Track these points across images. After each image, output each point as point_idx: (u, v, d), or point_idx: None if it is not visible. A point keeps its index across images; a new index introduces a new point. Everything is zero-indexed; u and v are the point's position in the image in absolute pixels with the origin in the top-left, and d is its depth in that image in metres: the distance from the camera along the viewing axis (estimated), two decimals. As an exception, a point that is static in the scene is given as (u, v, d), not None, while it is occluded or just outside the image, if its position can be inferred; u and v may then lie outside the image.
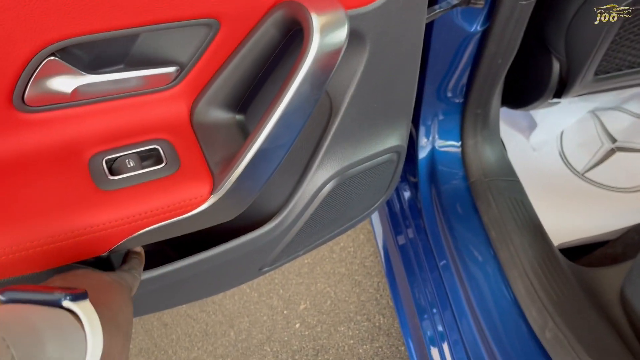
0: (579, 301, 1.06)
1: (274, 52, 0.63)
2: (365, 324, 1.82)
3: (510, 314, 1.09)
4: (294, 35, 0.62)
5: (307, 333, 1.82)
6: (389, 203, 1.59)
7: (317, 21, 0.53)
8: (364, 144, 0.82)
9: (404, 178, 1.51)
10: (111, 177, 0.59)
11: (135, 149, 0.62)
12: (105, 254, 0.62)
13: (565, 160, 1.66)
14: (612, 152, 1.66)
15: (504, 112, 1.60)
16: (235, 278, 0.96)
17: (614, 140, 1.68)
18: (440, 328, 1.27)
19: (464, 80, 1.20)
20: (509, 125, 1.72)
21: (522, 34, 1.08)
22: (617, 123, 1.72)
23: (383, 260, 1.67)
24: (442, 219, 1.29)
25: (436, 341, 1.29)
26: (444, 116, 1.32)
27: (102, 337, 0.43)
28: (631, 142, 1.67)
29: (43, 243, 0.54)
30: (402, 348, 1.75)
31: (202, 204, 0.63)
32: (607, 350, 0.98)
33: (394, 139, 0.86)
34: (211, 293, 0.98)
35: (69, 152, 0.59)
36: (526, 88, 1.40)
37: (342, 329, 1.82)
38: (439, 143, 1.37)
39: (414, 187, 1.44)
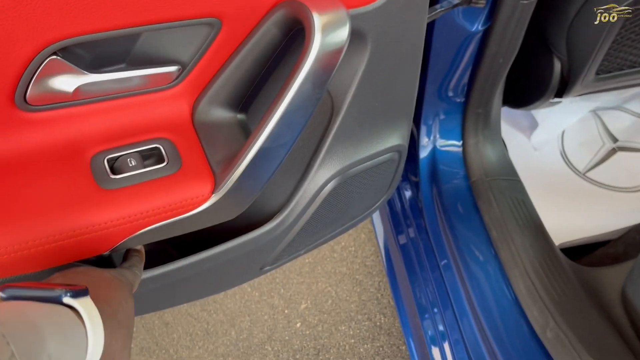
0: (580, 301, 1.06)
1: (276, 51, 0.63)
2: (366, 323, 1.82)
3: (511, 314, 1.09)
4: (295, 35, 0.62)
5: (308, 332, 1.82)
6: (390, 202, 1.59)
7: (318, 20, 0.53)
8: (365, 143, 0.82)
9: (405, 177, 1.51)
10: (113, 176, 0.59)
11: (136, 148, 0.62)
12: (106, 252, 0.62)
13: (566, 159, 1.66)
14: (613, 151, 1.66)
15: (505, 111, 1.60)
16: (237, 277, 0.96)
17: (615, 140, 1.68)
18: (441, 327, 1.27)
19: (465, 79, 1.20)
20: (510, 125, 1.72)
21: (523, 33, 1.08)
22: (619, 123, 1.72)
23: (384, 259, 1.67)
24: (443, 218, 1.29)
25: (437, 340, 1.29)
26: (445, 115, 1.32)
27: (103, 334, 0.43)
28: (632, 141, 1.67)
29: (45, 242, 0.55)
30: (403, 347, 1.76)
31: (203, 203, 0.63)
32: (608, 349, 0.98)
33: (395, 139, 0.86)
34: (212, 292, 0.98)
35: (70, 151, 0.59)
36: (527, 87, 1.40)
37: (343, 328, 1.82)
38: (440, 142, 1.37)
39: (415, 187, 1.44)
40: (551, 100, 1.37)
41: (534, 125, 1.69)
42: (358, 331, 1.81)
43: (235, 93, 0.67)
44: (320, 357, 1.77)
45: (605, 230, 1.43)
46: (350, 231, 2.02)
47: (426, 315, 1.34)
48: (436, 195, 1.34)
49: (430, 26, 1.05)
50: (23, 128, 0.57)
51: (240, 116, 0.70)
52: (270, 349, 1.81)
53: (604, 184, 1.57)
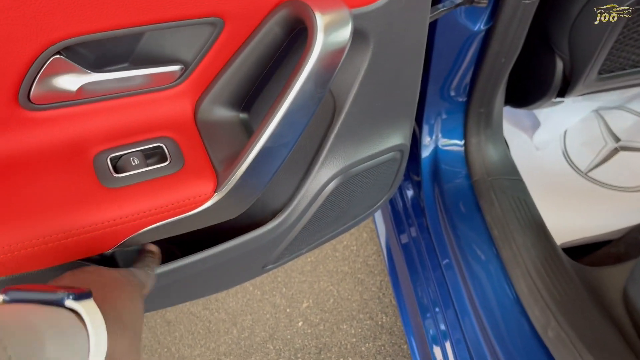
0: (581, 300, 1.06)
1: (278, 50, 0.63)
2: (368, 322, 1.82)
3: (512, 313, 1.09)
4: (297, 34, 0.62)
5: (309, 331, 1.83)
6: (392, 202, 1.59)
7: (321, 20, 0.53)
8: (367, 142, 0.83)
9: (407, 177, 1.51)
10: (116, 175, 0.59)
11: (139, 146, 0.63)
12: (109, 251, 0.63)
13: (568, 159, 1.65)
14: (615, 151, 1.65)
15: (508, 111, 1.60)
16: (239, 276, 0.96)
17: (617, 139, 1.68)
18: (442, 327, 1.27)
19: (467, 79, 1.20)
20: (513, 124, 1.72)
21: (525, 33, 1.08)
22: (621, 122, 1.72)
23: (386, 258, 1.67)
24: (444, 217, 1.29)
25: (439, 340, 1.29)
26: (447, 115, 1.32)
27: (106, 337, 0.42)
28: (635, 141, 1.66)
29: (48, 240, 0.55)
30: (405, 346, 1.76)
31: (205, 201, 0.64)
32: (609, 349, 0.98)
33: (397, 138, 0.86)
34: (214, 291, 0.98)
35: (74, 149, 0.60)
36: (530, 87, 1.40)
37: (345, 327, 1.82)
38: (442, 142, 1.37)
39: (417, 186, 1.44)
40: (553, 100, 1.37)
41: (536, 124, 1.68)
42: (360, 330, 1.81)
43: (237, 92, 0.67)
44: (322, 356, 1.77)
45: (607, 230, 1.42)
46: (352, 230, 2.02)
47: (428, 315, 1.34)
48: (438, 194, 1.34)
49: (433, 25, 1.05)
50: (27, 127, 0.57)
51: (242, 115, 0.70)
52: (272, 347, 1.81)
53: (606, 184, 1.57)
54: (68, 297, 0.41)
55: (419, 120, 1.33)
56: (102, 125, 0.62)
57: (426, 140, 1.36)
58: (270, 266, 0.94)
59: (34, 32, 0.49)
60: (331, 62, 0.57)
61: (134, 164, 0.61)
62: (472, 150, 1.34)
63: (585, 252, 1.40)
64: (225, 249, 0.76)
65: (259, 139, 0.59)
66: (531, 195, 1.28)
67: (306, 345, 1.80)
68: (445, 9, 0.94)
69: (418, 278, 1.39)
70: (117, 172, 0.60)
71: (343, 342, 1.79)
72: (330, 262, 1.97)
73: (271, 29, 0.60)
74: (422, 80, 0.85)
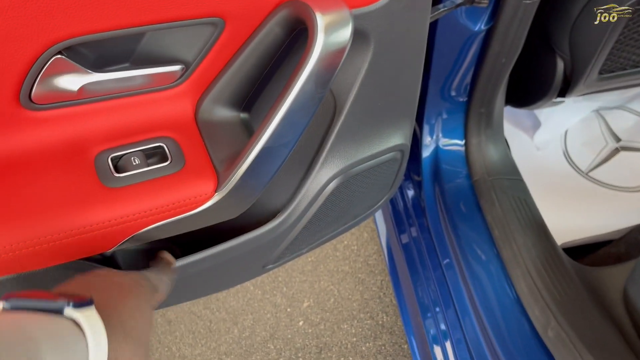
0: (581, 300, 1.06)
1: (279, 50, 0.63)
2: (369, 322, 1.82)
3: (513, 313, 1.09)
4: (298, 34, 0.62)
5: (310, 331, 1.83)
6: (392, 201, 1.59)
7: (321, 20, 0.54)
8: (368, 142, 0.83)
9: (407, 176, 1.52)
10: (117, 175, 0.60)
11: (140, 146, 0.63)
12: (110, 251, 0.63)
13: (569, 159, 1.65)
14: (616, 151, 1.65)
15: (508, 111, 1.60)
16: (239, 275, 0.96)
17: (618, 139, 1.68)
18: (443, 326, 1.27)
19: (468, 79, 1.20)
20: (513, 124, 1.72)
21: (526, 33, 1.08)
22: (622, 122, 1.72)
23: (386, 258, 1.67)
24: (445, 217, 1.29)
25: (439, 340, 1.29)
26: (447, 115, 1.32)
27: (107, 346, 0.42)
28: (635, 141, 1.66)
29: (49, 240, 0.55)
30: (405, 346, 1.76)
31: (206, 201, 0.64)
32: (609, 349, 0.98)
33: (398, 138, 0.86)
34: (215, 290, 0.98)
35: (75, 149, 0.60)
36: (530, 87, 1.40)
37: (345, 326, 1.82)
38: (443, 142, 1.37)
39: (418, 186, 1.44)
40: (554, 100, 1.37)
41: (536, 124, 1.68)
42: (360, 330, 1.81)
43: (238, 92, 0.67)
44: (323, 356, 1.77)
45: (608, 230, 1.42)
46: (353, 230, 2.02)
47: (428, 314, 1.34)
48: (438, 194, 1.34)
49: (433, 26, 1.06)
50: (28, 126, 0.57)
51: (243, 115, 0.71)
52: (272, 347, 1.81)
53: (607, 184, 1.57)
54: (68, 305, 0.40)
55: (419, 120, 1.33)
56: (103, 125, 0.62)
57: (427, 140, 1.36)
58: (270, 266, 0.94)
59: (35, 32, 0.49)
60: (332, 63, 0.57)
61: (134, 163, 0.61)
62: (472, 150, 1.34)
63: (586, 252, 1.40)
64: (226, 248, 0.76)
65: (260, 139, 0.59)
66: (532, 195, 1.28)
67: (307, 345, 1.80)
68: (445, 9, 0.94)
69: (418, 278, 1.40)
70: (118, 171, 0.60)
71: (344, 342, 1.79)
72: (331, 262, 1.97)
73: (272, 29, 0.61)
74: (422, 80, 0.85)
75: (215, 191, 0.64)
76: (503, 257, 1.16)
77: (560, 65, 1.25)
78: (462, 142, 1.36)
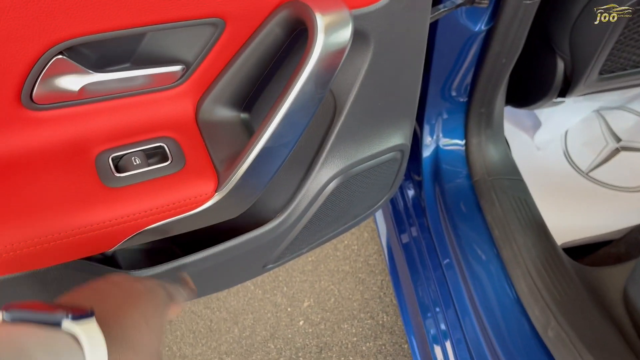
0: (581, 300, 1.06)
1: (279, 51, 0.64)
2: (369, 321, 1.83)
3: (513, 313, 1.09)
4: (298, 35, 0.62)
5: (310, 330, 1.83)
6: (393, 201, 1.59)
7: (321, 21, 0.54)
8: (368, 142, 0.83)
9: (408, 176, 1.52)
10: (117, 175, 0.60)
11: (141, 146, 0.63)
12: (111, 250, 0.63)
13: (569, 159, 1.65)
14: (616, 151, 1.65)
15: (509, 111, 1.60)
16: (240, 275, 0.96)
17: (618, 139, 1.68)
18: (443, 326, 1.27)
19: (468, 79, 1.21)
20: (514, 124, 1.72)
21: (526, 33, 1.08)
22: (622, 122, 1.71)
23: (387, 258, 1.67)
24: (445, 217, 1.29)
25: (439, 339, 1.29)
26: (448, 115, 1.32)
27: (106, 358, 0.41)
28: (636, 141, 1.66)
29: (50, 239, 0.55)
30: (405, 346, 1.76)
31: (206, 201, 0.64)
32: (609, 349, 0.98)
33: (398, 138, 0.87)
34: (216, 290, 0.98)
35: (76, 149, 0.60)
36: (531, 87, 1.40)
37: (346, 326, 1.83)
38: (443, 142, 1.37)
39: (418, 186, 1.44)
40: (554, 100, 1.37)
41: (537, 124, 1.68)
42: (360, 329, 1.81)
43: (238, 92, 0.67)
44: (323, 355, 1.78)
45: (608, 230, 1.42)
46: (353, 230, 2.02)
47: (428, 314, 1.34)
48: (439, 194, 1.34)
49: (434, 26, 1.06)
50: (29, 126, 0.57)
51: (243, 115, 0.71)
52: (273, 346, 1.81)
53: (607, 184, 1.57)
54: (67, 318, 0.39)
55: (420, 120, 1.33)
56: (104, 125, 0.62)
57: (427, 140, 1.36)
58: (271, 265, 0.94)
59: (36, 33, 0.49)
60: (331, 63, 0.57)
61: (135, 163, 0.61)
62: (472, 150, 1.34)
63: (586, 252, 1.40)
64: (226, 248, 0.76)
65: (260, 139, 0.59)
66: (532, 195, 1.28)
67: (307, 345, 1.80)
68: (446, 9, 0.94)
69: (419, 278, 1.40)
70: (118, 171, 0.60)
71: (344, 342, 1.80)
72: (332, 262, 1.97)
73: (272, 30, 0.61)
74: (423, 81, 0.85)
75: (216, 191, 0.64)
76: (503, 257, 1.16)
77: (560, 65, 1.25)
78: (463, 142, 1.36)
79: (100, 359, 0.40)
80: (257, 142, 0.59)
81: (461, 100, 1.28)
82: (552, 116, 1.67)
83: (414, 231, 1.45)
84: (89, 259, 0.67)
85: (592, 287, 1.12)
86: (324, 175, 0.80)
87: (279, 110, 0.58)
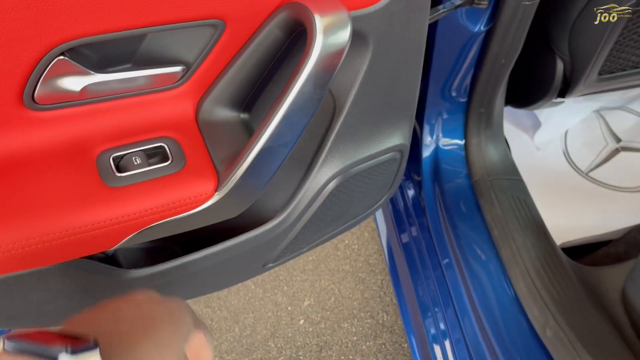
0: (580, 300, 1.07)
1: (278, 52, 0.64)
2: (369, 321, 1.83)
3: (511, 313, 1.09)
4: (297, 36, 0.63)
5: (311, 329, 1.83)
6: (393, 201, 1.59)
7: (320, 22, 0.54)
8: (367, 142, 0.83)
9: (408, 176, 1.52)
10: (118, 174, 0.60)
11: (141, 146, 0.63)
12: (111, 249, 0.63)
13: (569, 159, 1.66)
14: (616, 151, 1.66)
15: (508, 111, 1.61)
16: (240, 274, 0.97)
17: (618, 140, 1.68)
18: (442, 326, 1.28)
19: (468, 79, 1.21)
20: (513, 125, 1.72)
21: (525, 34, 1.08)
22: (622, 123, 1.72)
23: (387, 257, 1.68)
24: (445, 217, 1.30)
25: (439, 339, 1.30)
26: (447, 115, 1.33)
27: None
28: (635, 142, 1.66)
29: (51, 238, 0.56)
30: (405, 345, 1.76)
31: (206, 201, 0.64)
32: (607, 349, 0.99)
33: (397, 138, 0.87)
34: (216, 289, 0.99)
35: (77, 149, 0.60)
36: (530, 87, 1.40)
37: (346, 325, 1.83)
38: (443, 142, 1.38)
39: (418, 185, 1.45)
40: (554, 100, 1.37)
41: (537, 125, 1.69)
42: (361, 328, 1.82)
43: (238, 93, 0.68)
44: (323, 354, 1.78)
45: (607, 230, 1.43)
46: (354, 229, 2.03)
47: (428, 314, 1.34)
48: (438, 194, 1.34)
49: (433, 27, 1.06)
50: (31, 127, 0.58)
51: (243, 115, 0.71)
52: (273, 345, 1.82)
53: (607, 184, 1.58)
54: (66, 352, 0.37)
55: (420, 120, 1.33)
56: (105, 125, 0.63)
57: (427, 140, 1.37)
58: (271, 265, 0.95)
59: (38, 34, 0.50)
60: (330, 64, 0.57)
61: (136, 163, 0.61)
62: (472, 150, 1.34)
63: (585, 252, 1.40)
64: (226, 247, 0.77)
65: (259, 139, 0.60)
66: (532, 195, 1.28)
67: (307, 344, 1.81)
68: (445, 10, 0.94)
69: (418, 277, 1.40)
70: (119, 171, 0.61)
71: (344, 341, 1.80)
72: (332, 261, 1.97)
73: (271, 31, 0.61)
74: (423, 81, 0.85)
75: (216, 191, 0.64)
76: (502, 257, 1.16)
77: (560, 65, 1.26)
78: (462, 142, 1.37)
79: None
80: (257, 142, 0.60)
81: (461, 100, 1.29)
82: (552, 116, 1.67)
83: (414, 231, 1.45)
84: (90, 257, 0.68)
85: (590, 287, 1.12)
86: (324, 175, 0.81)
87: (278, 111, 0.58)
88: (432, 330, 1.32)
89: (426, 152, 1.38)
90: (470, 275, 1.18)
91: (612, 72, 1.26)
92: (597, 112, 1.75)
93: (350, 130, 0.78)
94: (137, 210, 0.60)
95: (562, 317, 1.02)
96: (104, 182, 0.59)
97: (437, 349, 1.30)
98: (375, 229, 2.02)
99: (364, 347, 1.78)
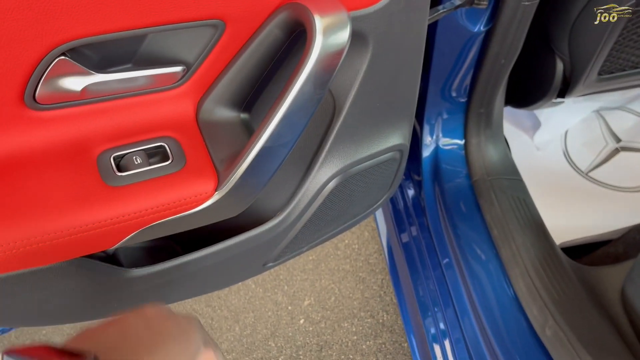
0: (579, 300, 1.07)
1: (278, 52, 0.64)
2: (369, 320, 1.83)
3: (511, 312, 1.10)
4: (297, 36, 0.63)
5: (311, 329, 1.84)
6: (393, 201, 1.59)
7: (320, 23, 0.54)
8: (367, 142, 0.83)
9: (408, 176, 1.52)
10: (119, 174, 0.60)
11: (142, 146, 0.63)
12: (112, 249, 0.64)
13: (569, 159, 1.66)
14: (616, 151, 1.66)
15: (508, 111, 1.61)
16: (240, 273, 0.97)
17: (618, 140, 1.68)
18: (442, 326, 1.28)
19: (468, 80, 1.21)
20: (513, 125, 1.73)
21: (525, 34, 1.08)
22: (622, 123, 1.72)
23: (387, 257, 1.68)
24: (445, 217, 1.30)
25: (438, 339, 1.30)
26: (447, 115, 1.33)
27: None
28: (635, 142, 1.67)
29: (52, 237, 0.56)
30: (405, 345, 1.76)
31: (206, 200, 0.65)
32: (607, 348, 0.99)
33: (397, 138, 0.87)
34: (216, 288, 0.99)
35: (78, 149, 0.61)
36: (530, 87, 1.40)
37: (346, 325, 1.83)
38: (443, 142, 1.38)
39: (418, 185, 1.45)
40: (554, 101, 1.38)
41: (537, 125, 1.69)
42: (361, 328, 1.82)
43: (238, 93, 0.68)
44: (323, 354, 1.78)
45: (607, 229, 1.43)
46: (354, 229, 2.03)
47: (428, 313, 1.34)
48: (438, 193, 1.34)
49: (433, 27, 1.06)
50: (32, 126, 0.58)
51: (243, 115, 0.71)
52: (273, 344, 1.82)
53: (607, 184, 1.58)
54: None
55: (420, 120, 1.34)
56: (106, 125, 0.63)
57: (427, 139, 1.37)
58: (271, 264, 0.95)
59: (39, 34, 0.50)
60: (330, 64, 0.57)
61: (136, 163, 0.62)
62: (472, 150, 1.35)
63: (585, 251, 1.40)
64: (226, 246, 0.77)
65: (259, 139, 0.60)
66: (531, 195, 1.28)
67: (307, 343, 1.81)
68: (445, 10, 0.94)
69: (418, 277, 1.40)
70: (120, 170, 0.61)
71: (344, 340, 1.80)
72: (332, 261, 1.98)
73: (271, 31, 0.61)
74: (423, 81, 0.85)
75: (216, 190, 0.64)
76: (502, 257, 1.16)
77: (559, 66, 1.26)
78: (462, 142, 1.37)
79: None
80: (257, 142, 0.60)
81: (461, 100, 1.29)
82: (552, 116, 1.67)
83: (414, 230, 1.45)
84: (90, 256, 0.68)
85: (590, 287, 1.12)
86: (324, 174, 0.81)
87: (278, 111, 0.58)
88: (432, 330, 1.32)
89: (426, 152, 1.38)
90: (470, 275, 1.18)
91: (612, 72, 1.26)
92: (597, 112, 1.75)
93: (350, 130, 0.78)
94: (138, 209, 0.60)
95: (561, 316, 1.02)
96: (105, 182, 0.59)
97: (437, 349, 1.30)
98: (375, 229, 2.02)
99: (364, 346, 1.78)
